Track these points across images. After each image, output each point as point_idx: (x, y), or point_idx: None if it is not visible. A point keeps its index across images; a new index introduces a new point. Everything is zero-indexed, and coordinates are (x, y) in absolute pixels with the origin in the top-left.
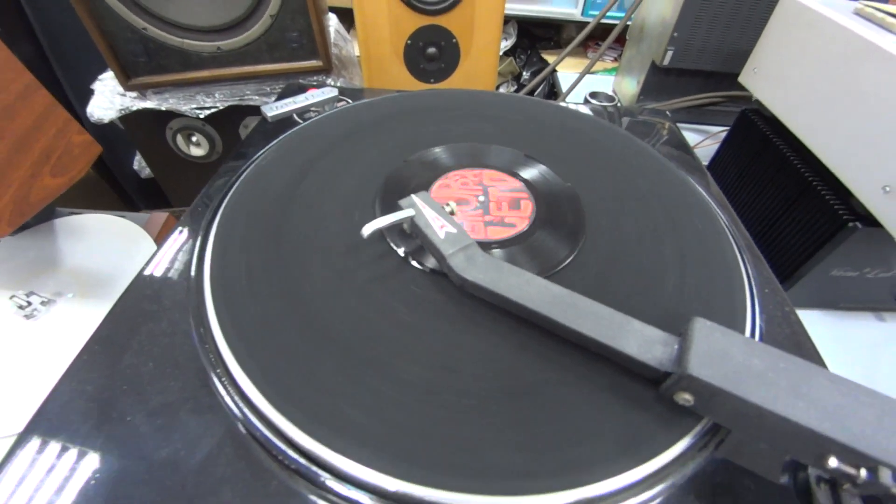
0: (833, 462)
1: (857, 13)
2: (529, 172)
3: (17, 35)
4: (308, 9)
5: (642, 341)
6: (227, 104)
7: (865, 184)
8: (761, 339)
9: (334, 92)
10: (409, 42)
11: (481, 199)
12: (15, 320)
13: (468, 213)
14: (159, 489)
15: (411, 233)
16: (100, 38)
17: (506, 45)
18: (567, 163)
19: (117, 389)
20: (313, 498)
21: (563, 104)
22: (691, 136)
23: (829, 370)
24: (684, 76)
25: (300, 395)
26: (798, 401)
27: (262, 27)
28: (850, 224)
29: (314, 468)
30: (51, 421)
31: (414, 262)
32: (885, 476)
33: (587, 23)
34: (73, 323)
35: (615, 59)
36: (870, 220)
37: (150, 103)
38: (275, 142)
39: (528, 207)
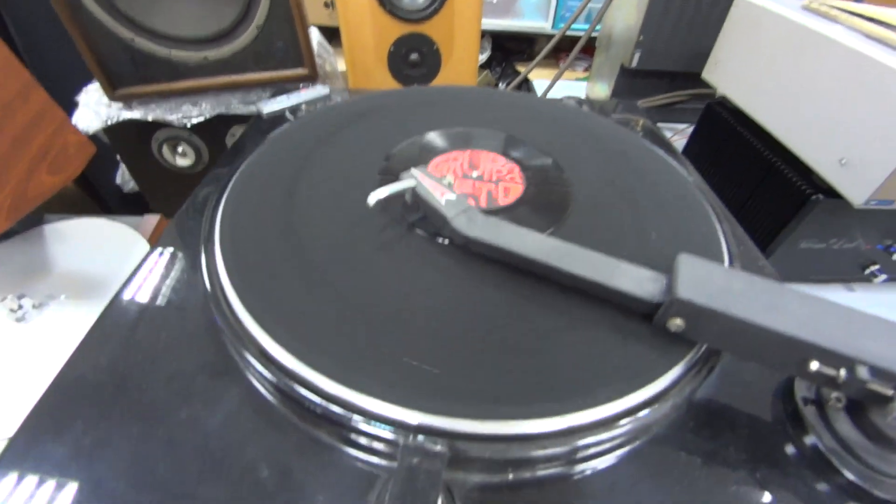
0: (815, 365)
1: (805, 8)
2: (516, 152)
3: None
4: (293, 19)
5: (634, 279)
6: (213, 113)
7: (823, 159)
8: None
9: (326, 90)
10: (392, 49)
11: (475, 174)
12: (6, 324)
13: (463, 187)
14: (182, 448)
15: (413, 203)
16: (86, 49)
17: (481, 58)
18: (551, 143)
19: (131, 360)
20: (336, 443)
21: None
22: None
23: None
24: (652, 77)
25: (317, 346)
26: (776, 314)
27: (249, 37)
28: (813, 197)
29: (337, 409)
30: (66, 393)
31: (419, 231)
32: (862, 372)
33: (572, 37)
34: (66, 324)
35: (586, 69)
36: (831, 193)
37: (135, 113)
38: (273, 133)
39: (518, 180)
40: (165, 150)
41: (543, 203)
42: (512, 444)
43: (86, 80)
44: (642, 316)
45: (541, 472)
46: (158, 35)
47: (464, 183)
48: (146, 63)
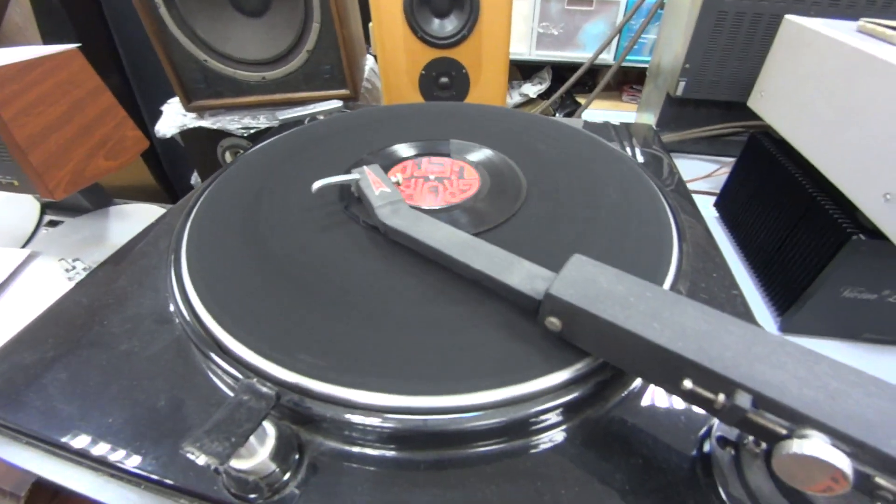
0: (688, 384)
1: (860, 30)
2: (476, 156)
3: (109, 70)
4: (339, 47)
5: (526, 276)
6: (268, 125)
7: (867, 194)
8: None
9: (338, 104)
10: (423, 72)
11: (432, 176)
12: (60, 279)
13: (420, 187)
14: (112, 372)
15: (358, 196)
16: (169, 67)
17: (540, 88)
18: (510, 148)
19: (105, 301)
20: (223, 388)
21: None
22: (709, 166)
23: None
24: (699, 107)
25: (234, 309)
26: (653, 322)
27: (300, 61)
28: (854, 237)
29: (217, 354)
30: (49, 320)
31: (355, 218)
32: (742, 399)
33: (620, 67)
34: None
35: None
36: (875, 234)
37: (205, 123)
38: (273, 138)
39: (474, 181)
40: (227, 156)
41: (494, 201)
42: (336, 408)
43: (169, 96)
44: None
45: (379, 449)
46: (227, 57)
47: (416, 183)
48: (216, 80)
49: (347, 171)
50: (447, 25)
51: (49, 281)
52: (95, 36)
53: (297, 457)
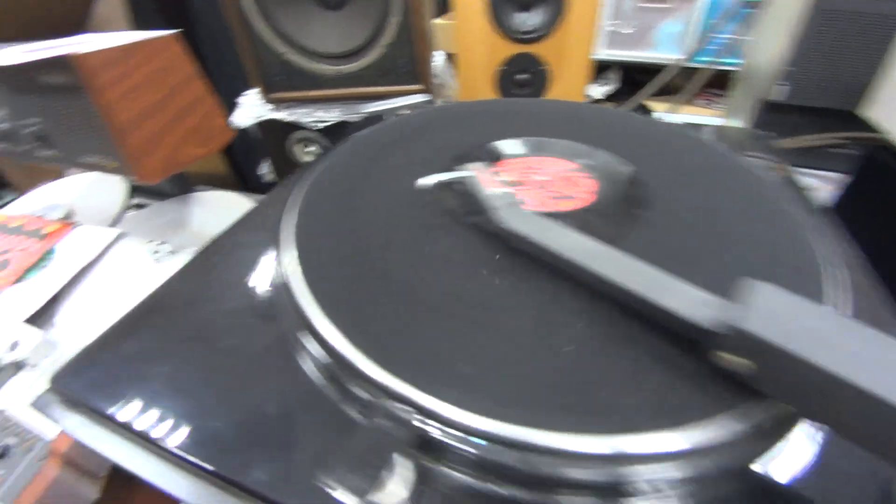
0: None
1: None
2: (592, 159)
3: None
4: (415, 41)
5: (689, 300)
6: (340, 119)
7: None
8: None
9: (427, 97)
10: (500, 68)
11: (542, 178)
12: (147, 262)
13: (529, 188)
14: (215, 370)
15: (467, 195)
16: (251, 60)
17: (607, 90)
18: (636, 156)
19: (203, 293)
20: (337, 402)
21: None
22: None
23: None
24: (799, 114)
25: (350, 316)
26: (888, 375)
27: (377, 55)
28: None
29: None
30: (146, 310)
31: (469, 221)
32: None
33: (694, 69)
34: None
35: (717, 107)
36: None
37: (282, 115)
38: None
39: (586, 187)
40: (297, 148)
41: (612, 211)
42: (471, 438)
43: (236, 90)
44: (693, 346)
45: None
46: (305, 50)
47: (529, 185)
48: (293, 73)
49: (453, 168)
50: (531, 19)
51: (136, 261)
52: (180, 27)
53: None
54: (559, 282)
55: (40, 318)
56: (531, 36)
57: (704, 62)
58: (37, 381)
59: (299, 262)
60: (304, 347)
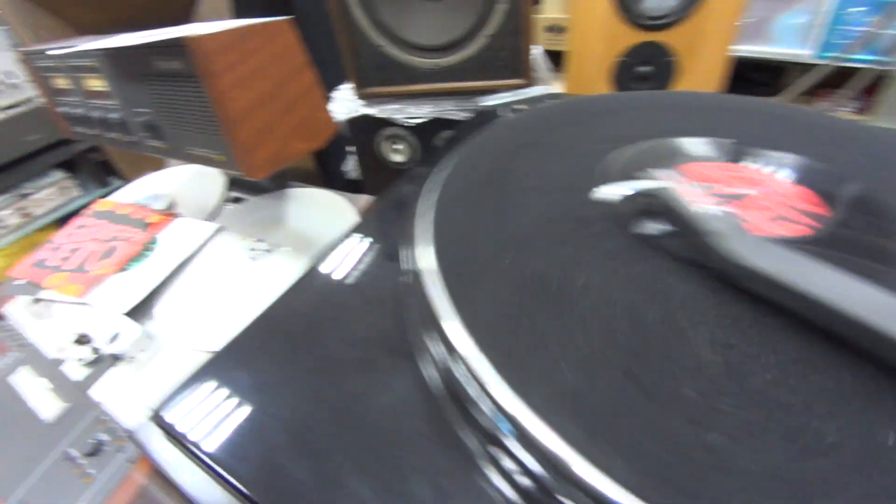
0: None
1: None
2: (806, 171)
3: None
4: (520, 31)
5: None
6: (432, 116)
7: None
8: None
9: (549, 89)
10: (620, 59)
11: (747, 192)
12: (243, 259)
13: (741, 207)
14: (345, 421)
15: (656, 211)
16: (348, 52)
17: None
18: (860, 168)
19: (324, 314)
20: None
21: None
22: None
23: None
24: None
25: (518, 353)
26: None
27: (477, 46)
28: None
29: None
30: (264, 329)
31: (662, 245)
32: None
33: (818, 66)
34: (282, 271)
35: (859, 111)
36: None
37: (373, 110)
38: (492, 125)
39: (807, 213)
40: (385, 145)
41: (848, 244)
42: None
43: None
44: None
45: None
46: (404, 43)
47: (721, 202)
48: (388, 67)
49: (635, 176)
50: (665, 1)
51: (233, 257)
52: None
53: None
54: (821, 347)
55: (138, 309)
56: (661, 22)
57: (861, 61)
58: (134, 375)
59: (451, 302)
60: (463, 416)
